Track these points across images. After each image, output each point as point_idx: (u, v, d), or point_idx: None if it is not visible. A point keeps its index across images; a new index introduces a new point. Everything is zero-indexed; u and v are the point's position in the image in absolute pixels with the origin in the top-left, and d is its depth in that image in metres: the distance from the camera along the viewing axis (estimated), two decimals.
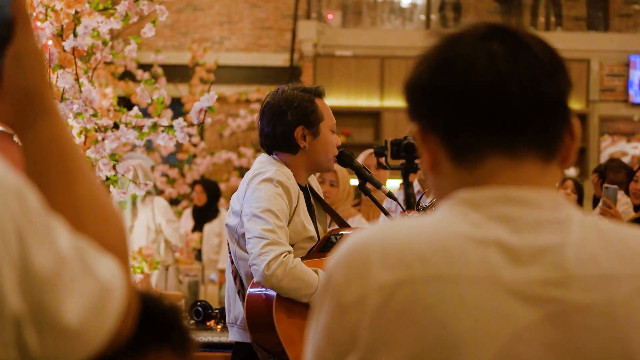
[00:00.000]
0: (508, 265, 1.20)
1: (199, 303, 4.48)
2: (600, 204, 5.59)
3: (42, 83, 1.10)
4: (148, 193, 7.32)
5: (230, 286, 3.34)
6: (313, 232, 3.27)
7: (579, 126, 1.30)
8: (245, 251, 3.18)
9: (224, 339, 4.24)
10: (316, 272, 3.14)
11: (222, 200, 9.92)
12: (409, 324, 1.18)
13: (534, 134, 1.25)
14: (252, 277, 3.15)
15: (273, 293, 3.09)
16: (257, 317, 3.13)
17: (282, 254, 3.02)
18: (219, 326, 4.36)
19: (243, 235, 3.19)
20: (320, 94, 3.41)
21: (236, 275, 3.29)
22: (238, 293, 3.27)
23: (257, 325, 3.14)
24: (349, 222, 5.46)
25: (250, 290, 3.15)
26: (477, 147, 1.25)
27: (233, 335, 3.34)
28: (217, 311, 4.45)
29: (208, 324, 4.40)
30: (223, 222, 9.31)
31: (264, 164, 3.28)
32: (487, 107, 1.24)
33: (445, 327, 1.17)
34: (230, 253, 3.32)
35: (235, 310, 3.30)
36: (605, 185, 5.63)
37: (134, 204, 7.12)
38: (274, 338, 3.08)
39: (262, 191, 3.15)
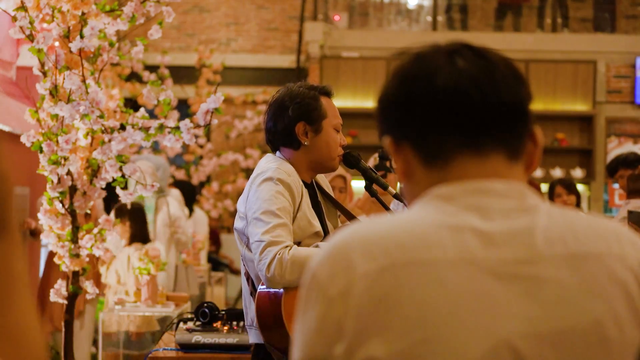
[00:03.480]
0: (482, 247, 1.29)
1: (205, 304, 4.47)
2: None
3: (6, 207, 1.10)
4: (161, 194, 7.35)
5: (245, 289, 3.34)
6: (319, 228, 3.26)
7: (540, 134, 1.42)
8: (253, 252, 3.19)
9: (230, 340, 4.24)
10: (316, 246, 3.13)
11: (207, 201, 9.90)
12: (393, 308, 1.25)
13: (497, 134, 1.37)
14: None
15: (281, 290, 3.09)
16: (267, 315, 3.12)
17: (277, 252, 3.02)
18: (226, 327, 4.35)
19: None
20: (326, 93, 3.40)
21: (248, 277, 3.28)
22: (251, 295, 3.27)
23: (268, 324, 3.13)
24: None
25: (259, 289, 3.15)
26: (446, 149, 1.36)
27: (252, 338, 3.32)
28: (223, 312, 4.44)
29: (214, 325, 4.39)
30: (197, 221, 9.40)
31: (266, 163, 3.29)
32: (451, 113, 1.36)
33: (427, 308, 1.25)
34: (241, 256, 3.31)
35: (251, 312, 3.29)
36: (629, 209, 5.61)
37: (155, 208, 7.15)
38: (285, 336, 3.07)
39: (262, 192, 3.15)
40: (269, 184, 3.16)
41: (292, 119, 3.29)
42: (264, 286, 3.14)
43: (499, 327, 1.26)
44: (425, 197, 1.36)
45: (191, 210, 9.60)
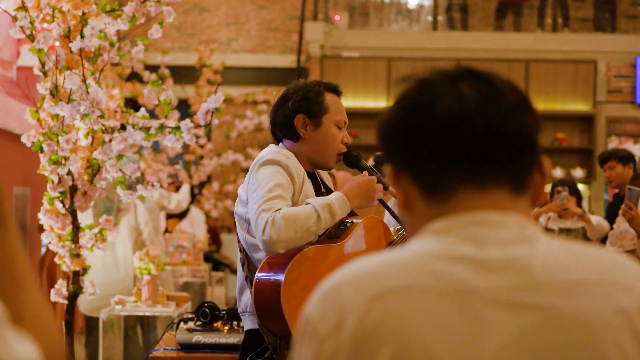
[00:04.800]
0: (476, 275, 1.24)
1: (205, 304, 4.47)
2: (623, 205, 5.56)
3: (1, 199, 1.11)
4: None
5: (240, 275, 3.39)
6: None
7: (548, 165, 1.36)
8: (255, 237, 3.21)
9: (230, 340, 4.24)
10: (307, 203, 3.16)
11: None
12: (384, 335, 1.21)
13: (500, 167, 1.31)
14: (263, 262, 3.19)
15: (281, 278, 3.09)
16: (265, 302, 3.14)
17: (269, 215, 3.06)
18: (226, 328, 4.35)
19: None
20: (332, 89, 3.42)
21: (244, 262, 3.31)
22: (246, 279, 3.30)
23: (265, 310, 3.15)
24: None
25: (258, 275, 3.16)
26: (447, 182, 1.31)
27: (247, 324, 3.37)
28: (224, 312, 4.44)
29: (215, 325, 4.39)
30: (193, 221, 9.41)
31: (265, 151, 3.33)
32: (454, 143, 1.30)
33: (419, 335, 1.21)
34: (238, 242, 3.36)
35: (245, 297, 3.33)
36: (629, 187, 5.61)
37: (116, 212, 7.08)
38: (281, 322, 3.08)
39: (260, 174, 3.20)
40: (266, 167, 3.22)
41: (291, 110, 3.34)
42: (263, 273, 3.15)
43: (492, 353, 1.21)
44: (422, 233, 1.31)
45: (187, 210, 9.64)
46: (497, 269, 1.25)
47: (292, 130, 3.34)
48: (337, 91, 3.44)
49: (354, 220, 3.36)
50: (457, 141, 1.30)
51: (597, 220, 6.86)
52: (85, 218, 6.81)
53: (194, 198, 10.02)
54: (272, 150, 3.28)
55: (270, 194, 3.13)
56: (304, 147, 3.35)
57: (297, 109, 3.33)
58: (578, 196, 7.15)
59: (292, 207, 3.12)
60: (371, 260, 1.30)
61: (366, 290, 1.24)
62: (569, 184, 7.21)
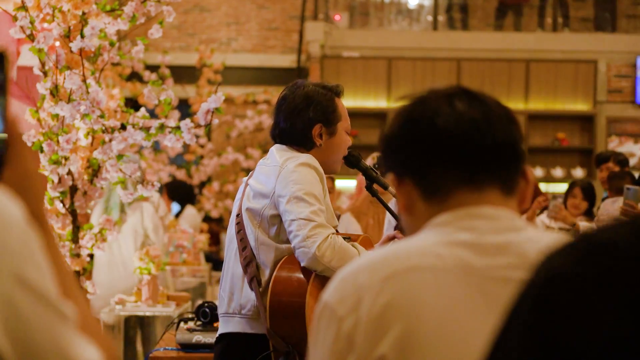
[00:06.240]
0: (476, 257, 1.42)
1: (206, 304, 4.46)
2: (621, 204, 5.55)
3: (40, 205, 1.17)
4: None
5: (235, 275, 3.28)
6: (337, 223, 3.29)
7: (532, 173, 1.56)
8: (268, 235, 3.17)
9: None
10: (354, 247, 3.15)
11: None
12: (396, 311, 1.37)
13: (492, 171, 1.50)
14: (276, 263, 3.14)
15: (307, 278, 3.08)
16: (285, 301, 3.10)
17: (329, 236, 3.05)
18: None
19: (270, 218, 3.16)
20: (339, 94, 3.40)
21: (249, 262, 3.22)
22: (251, 281, 3.20)
23: (283, 310, 3.09)
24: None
25: (278, 273, 3.12)
26: (446, 185, 1.49)
27: (232, 326, 3.25)
28: None
29: (215, 325, 4.39)
30: (185, 220, 9.38)
31: (290, 152, 3.27)
32: (451, 152, 1.49)
33: (428, 308, 1.37)
34: (241, 240, 3.26)
35: (242, 298, 3.20)
36: (627, 186, 5.60)
37: (122, 209, 7.06)
38: (299, 325, 3.05)
39: (300, 174, 3.13)
40: (306, 169, 3.17)
41: (311, 120, 3.29)
42: (283, 271, 3.12)
43: (495, 322, 1.28)
44: (425, 227, 1.49)
45: (182, 208, 9.64)
46: (494, 252, 1.43)
47: (308, 140, 3.31)
48: (341, 94, 3.43)
49: (351, 238, 3.36)
50: (454, 152, 1.49)
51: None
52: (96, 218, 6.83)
53: (189, 198, 10.00)
54: (305, 155, 3.23)
55: (317, 204, 3.11)
56: (316, 155, 3.30)
57: (316, 118, 3.30)
58: (591, 201, 7.10)
59: (346, 244, 3.12)
60: (382, 250, 1.48)
61: (379, 273, 1.41)
62: (586, 188, 7.17)
